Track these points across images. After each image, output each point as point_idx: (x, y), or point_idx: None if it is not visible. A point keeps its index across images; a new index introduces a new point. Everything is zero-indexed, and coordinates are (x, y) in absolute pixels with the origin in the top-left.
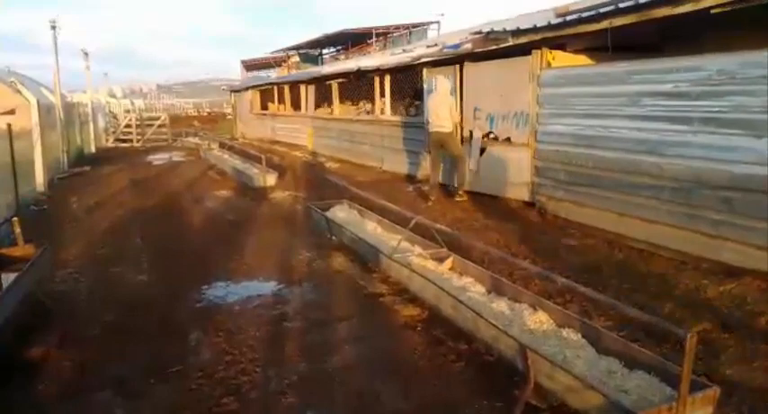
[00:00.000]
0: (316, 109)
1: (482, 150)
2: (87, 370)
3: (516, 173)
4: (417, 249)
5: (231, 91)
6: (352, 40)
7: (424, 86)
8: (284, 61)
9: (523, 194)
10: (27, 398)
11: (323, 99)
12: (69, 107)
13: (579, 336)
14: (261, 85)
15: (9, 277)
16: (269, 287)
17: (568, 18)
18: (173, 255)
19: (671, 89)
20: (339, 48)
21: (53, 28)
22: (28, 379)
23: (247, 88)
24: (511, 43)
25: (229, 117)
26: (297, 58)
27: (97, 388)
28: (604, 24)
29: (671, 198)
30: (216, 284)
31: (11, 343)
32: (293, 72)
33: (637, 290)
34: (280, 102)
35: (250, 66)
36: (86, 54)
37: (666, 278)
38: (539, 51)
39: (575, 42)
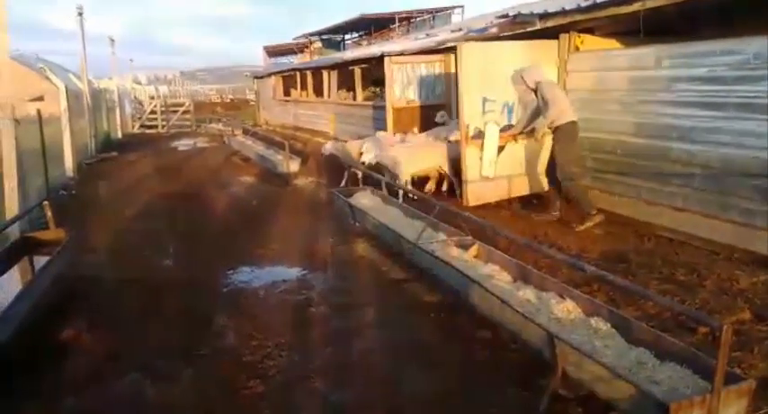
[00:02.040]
0: (338, 95)
1: (501, 149)
2: (116, 352)
3: (542, 162)
4: (441, 236)
5: (254, 77)
6: (375, 26)
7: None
8: (306, 47)
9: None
10: (59, 379)
11: (345, 85)
12: (96, 93)
13: (608, 325)
14: (283, 72)
15: (41, 260)
16: (293, 272)
17: (599, 0)
18: (199, 240)
19: (705, 74)
20: (361, 33)
21: (80, 14)
22: (59, 360)
23: (270, 74)
24: (538, 27)
25: (252, 103)
26: (319, 44)
27: (126, 370)
28: (636, 7)
29: (702, 186)
30: (241, 269)
31: (42, 325)
32: (315, 58)
33: (666, 280)
34: (302, 88)
35: (272, 52)
36: (112, 41)
37: (697, 268)
38: (567, 35)
39: (604, 26)
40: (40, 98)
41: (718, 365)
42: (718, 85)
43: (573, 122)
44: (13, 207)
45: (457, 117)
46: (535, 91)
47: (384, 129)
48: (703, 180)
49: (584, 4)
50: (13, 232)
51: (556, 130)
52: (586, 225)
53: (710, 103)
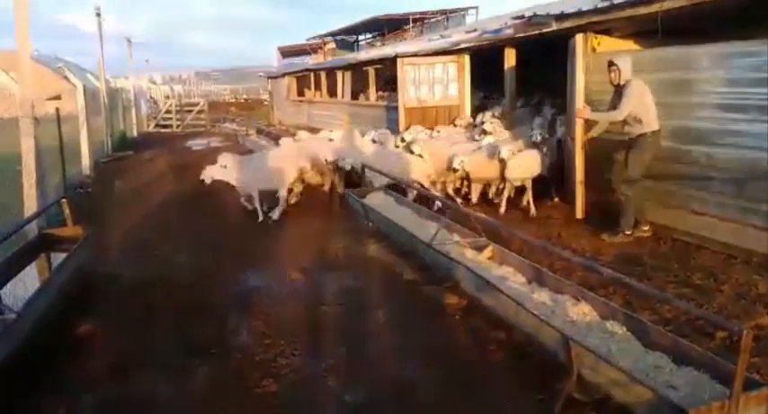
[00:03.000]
0: (352, 96)
1: None
2: (131, 350)
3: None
4: (456, 238)
5: (268, 77)
6: (389, 27)
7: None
8: (320, 48)
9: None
10: (77, 374)
11: (359, 86)
12: (113, 93)
13: (624, 329)
14: (297, 72)
15: (58, 257)
16: (306, 272)
17: (616, 1)
18: (213, 239)
19: (725, 76)
20: (375, 34)
21: (98, 15)
22: (77, 356)
23: (284, 75)
24: (554, 28)
25: (266, 103)
26: (333, 45)
27: (142, 367)
28: (654, 8)
29: (721, 189)
30: (255, 268)
31: (60, 321)
32: (329, 59)
33: (683, 284)
34: (316, 88)
35: (286, 52)
36: (129, 41)
37: (714, 272)
38: (583, 36)
39: (622, 26)
40: (58, 97)
41: (737, 371)
42: (739, 88)
43: (659, 131)
44: (31, 204)
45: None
46: (618, 85)
47: (397, 129)
48: (722, 183)
49: (600, 5)
50: (31, 229)
51: (641, 137)
52: (614, 240)
53: (731, 106)
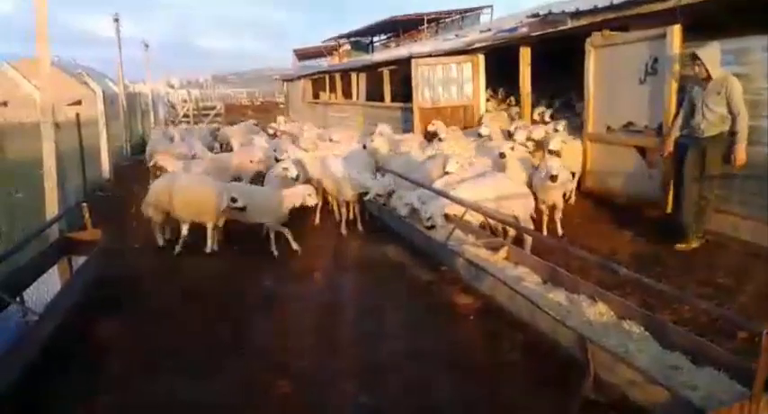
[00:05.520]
0: (367, 97)
1: None
2: (150, 350)
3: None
4: (471, 238)
5: (284, 80)
6: (403, 28)
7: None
8: (335, 50)
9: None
10: (97, 375)
11: (374, 87)
12: (131, 97)
13: (642, 329)
14: (313, 74)
15: (78, 260)
16: (322, 274)
17: None
18: (229, 241)
19: (744, 71)
20: (390, 35)
21: (116, 21)
22: (97, 357)
23: (299, 77)
24: (570, 26)
25: (282, 106)
26: (348, 47)
27: (162, 367)
28: (671, 3)
29: (742, 187)
30: (271, 270)
31: (81, 323)
32: (344, 60)
33: (704, 283)
34: (331, 90)
35: (302, 55)
36: (147, 46)
37: (736, 271)
38: (599, 34)
39: (638, 23)
40: (78, 102)
41: (758, 371)
42: (759, 83)
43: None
44: (52, 207)
45: None
46: (706, 78)
47: (412, 129)
48: (744, 181)
49: (616, 1)
50: (53, 231)
51: (719, 136)
52: (685, 247)
53: (751, 102)
